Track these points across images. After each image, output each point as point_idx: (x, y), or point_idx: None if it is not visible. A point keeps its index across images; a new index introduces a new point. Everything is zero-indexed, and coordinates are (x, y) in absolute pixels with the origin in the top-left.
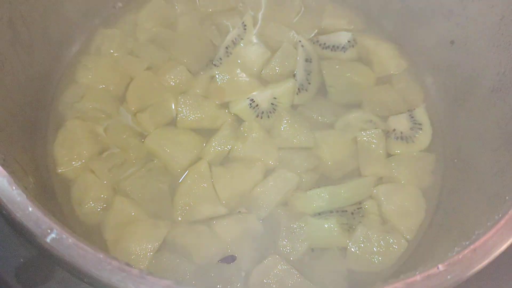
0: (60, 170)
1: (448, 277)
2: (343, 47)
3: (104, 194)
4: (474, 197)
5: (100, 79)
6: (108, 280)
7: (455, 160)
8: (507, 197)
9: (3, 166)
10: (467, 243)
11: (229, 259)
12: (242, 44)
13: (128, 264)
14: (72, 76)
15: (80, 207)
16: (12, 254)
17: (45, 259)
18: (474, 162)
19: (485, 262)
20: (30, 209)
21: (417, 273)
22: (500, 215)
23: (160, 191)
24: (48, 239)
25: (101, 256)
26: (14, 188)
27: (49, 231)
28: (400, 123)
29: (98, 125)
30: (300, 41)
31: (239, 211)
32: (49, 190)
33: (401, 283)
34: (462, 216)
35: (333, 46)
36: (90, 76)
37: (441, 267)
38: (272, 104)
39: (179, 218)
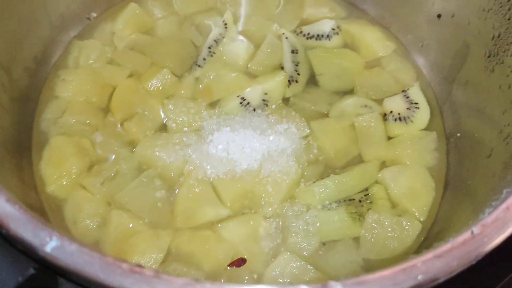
0: (49, 190)
1: (485, 239)
2: (327, 35)
3: (99, 209)
4: (485, 167)
5: (81, 91)
6: (119, 285)
7: (458, 134)
8: None
9: None
10: (498, 202)
11: (239, 262)
12: (225, 41)
13: (139, 265)
14: (51, 92)
15: (75, 226)
16: (9, 274)
17: (46, 273)
18: (479, 133)
19: None
20: (25, 218)
21: (449, 240)
22: None
23: (158, 199)
24: (49, 248)
25: (109, 259)
26: (5, 199)
27: (48, 239)
28: (396, 104)
29: (84, 139)
30: (283, 33)
31: (243, 213)
32: (40, 212)
33: (436, 251)
34: (474, 188)
35: (318, 35)
36: (70, 90)
37: (475, 230)
38: (263, 100)
39: (181, 225)
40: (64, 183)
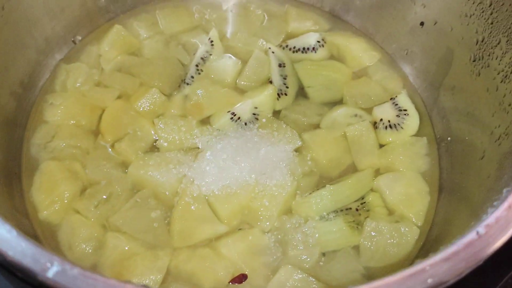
0: (42, 216)
1: (490, 239)
2: (313, 48)
3: (94, 233)
4: (479, 169)
5: (70, 115)
6: None
7: (448, 138)
8: None
9: None
10: (499, 202)
11: (240, 278)
12: (212, 58)
13: (145, 286)
14: (40, 117)
15: (71, 251)
16: None
17: None
18: (470, 136)
19: None
20: (23, 244)
21: (455, 242)
22: None
23: (154, 219)
24: (51, 274)
25: (114, 282)
26: (1, 224)
27: (49, 264)
28: (386, 112)
29: (75, 163)
30: (269, 48)
31: (240, 228)
32: (34, 239)
33: (443, 254)
34: (469, 190)
35: (303, 48)
36: (59, 114)
37: (480, 230)
38: (253, 114)
39: (178, 244)
40: (57, 208)
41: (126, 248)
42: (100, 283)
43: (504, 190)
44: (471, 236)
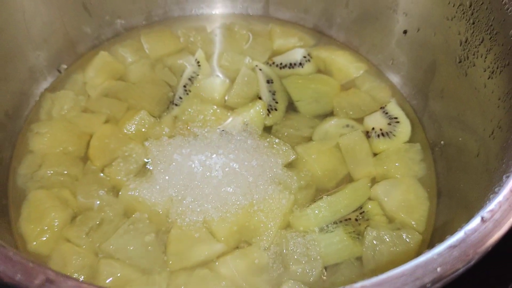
0: (31, 247)
1: (496, 223)
2: (300, 63)
3: (87, 261)
4: (476, 166)
5: (57, 142)
6: None
7: (441, 142)
8: None
9: None
10: (501, 188)
11: None
12: (199, 78)
13: None
14: (25, 147)
15: None
16: None
17: None
18: (463, 136)
19: None
20: (13, 258)
21: (462, 228)
22: None
23: (148, 243)
24: None
25: None
26: None
27: (42, 277)
28: (377, 121)
29: (64, 190)
30: (256, 65)
31: (239, 247)
32: None
33: (450, 242)
34: (467, 190)
35: (290, 64)
36: (45, 142)
37: (485, 215)
38: (244, 130)
39: (175, 267)
40: (47, 237)
41: (122, 275)
42: None
43: (504, 177)
44: (476, 222)
